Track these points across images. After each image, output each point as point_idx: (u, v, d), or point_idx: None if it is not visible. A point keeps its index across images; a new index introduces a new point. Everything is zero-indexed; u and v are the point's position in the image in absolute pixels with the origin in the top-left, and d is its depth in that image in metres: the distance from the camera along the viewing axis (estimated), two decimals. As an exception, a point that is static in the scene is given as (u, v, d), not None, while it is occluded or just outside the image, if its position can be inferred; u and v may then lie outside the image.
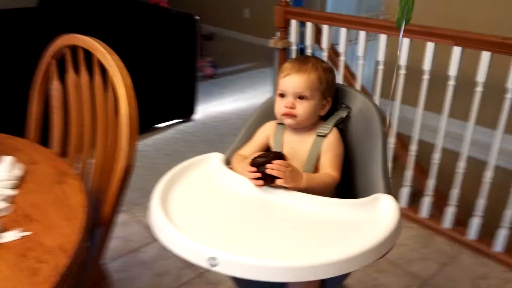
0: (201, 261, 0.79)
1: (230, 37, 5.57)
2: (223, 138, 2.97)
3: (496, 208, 1.89)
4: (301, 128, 1.09)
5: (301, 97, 1.05)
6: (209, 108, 3.50)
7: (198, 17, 3.06)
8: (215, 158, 1.10)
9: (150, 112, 2.91)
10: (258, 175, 0.94)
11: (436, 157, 1.99)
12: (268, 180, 0.94)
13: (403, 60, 1.95)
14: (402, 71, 1.98)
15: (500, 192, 1.87)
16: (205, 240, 0.81)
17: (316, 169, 1.06)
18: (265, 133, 1.14)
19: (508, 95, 1.72)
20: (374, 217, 0.90)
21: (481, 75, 1.77)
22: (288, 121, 1.07)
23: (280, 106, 1.07)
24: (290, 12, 2.36)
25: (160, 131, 3.06)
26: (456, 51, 1.81)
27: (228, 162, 1.11)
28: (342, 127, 1.12)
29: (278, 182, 0.94)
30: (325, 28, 2.22)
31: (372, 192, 0.98)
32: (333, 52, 2.46)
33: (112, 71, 1.07)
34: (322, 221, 0.89)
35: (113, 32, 2.68)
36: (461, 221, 2.07)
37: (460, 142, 1.92)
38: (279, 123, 1.14)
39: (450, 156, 2.10)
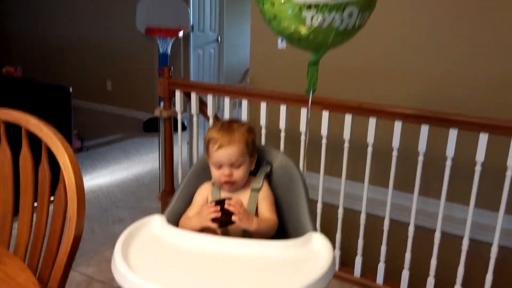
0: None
1: (92, 108, 5.45)
2: (107, 212, 2.87)
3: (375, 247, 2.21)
4: None
5: (235, 164, 1.19)
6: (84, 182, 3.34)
7: (71, 89, 3.02)
8: (157, 220, 1.16)
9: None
10: (218, 208, 1.08)
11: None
12: (224, 215, 1.08)
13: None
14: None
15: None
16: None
17: (255, 219, 1.21)
18: (203, 195, 1.25)
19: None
20: (311, 254, 1.05)
21: (346, 134, 2.13)
22: (227, 187, 1.21)
23: (219, 176, 1.20)
24: (175, 84, 2.52)
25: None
26: (325, 115, 2.16)
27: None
28: (268, 180, 1.28)
29: (234, 218, 1.07)
30: (209, 98, 2.43)
31: (303, 231, 1.15)
32: (217, 119, 2.67)
33: (53, 142, 1.09)
34: (264, 263, 1.01)
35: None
36: (346, 263, 2.36)
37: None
38: (213, 184, 1.26)
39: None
